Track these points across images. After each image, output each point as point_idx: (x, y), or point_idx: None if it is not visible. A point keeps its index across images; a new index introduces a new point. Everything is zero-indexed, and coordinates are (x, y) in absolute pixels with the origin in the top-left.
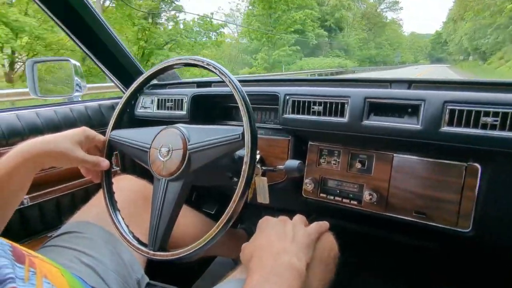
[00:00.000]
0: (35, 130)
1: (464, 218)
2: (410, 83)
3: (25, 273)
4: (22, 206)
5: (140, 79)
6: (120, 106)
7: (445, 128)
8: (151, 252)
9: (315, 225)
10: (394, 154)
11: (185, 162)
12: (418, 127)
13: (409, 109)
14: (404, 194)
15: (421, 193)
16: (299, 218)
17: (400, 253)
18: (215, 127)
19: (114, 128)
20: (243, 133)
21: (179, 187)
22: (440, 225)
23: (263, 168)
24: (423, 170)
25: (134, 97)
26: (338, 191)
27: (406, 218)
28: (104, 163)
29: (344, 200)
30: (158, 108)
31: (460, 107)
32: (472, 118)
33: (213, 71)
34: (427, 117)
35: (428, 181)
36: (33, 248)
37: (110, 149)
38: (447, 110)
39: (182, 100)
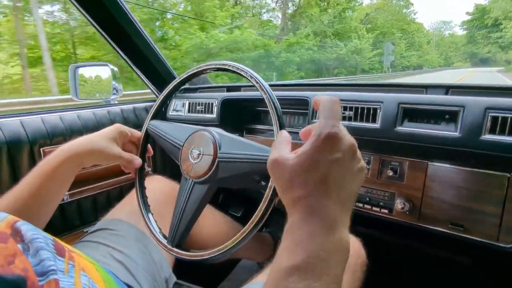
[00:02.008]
0: (76, 130)
1: (506, 233)
2: (448, 88)
3: (65, 265)
4: (62, 202)
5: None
6: (155, 107)
7: (487, 136)
8: (169, 246)
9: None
10: (429, 162)
11: (213, 169)
12: (457, 134)
13: (447, 116)
14: (439, 204)
15: (458, 204)
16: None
17: (431, 265)
18: (247, 142)
19: (152, 118)
20: None
21: (204, 190)
22: (478, 239)
23: None
24: (461, 179)
25: (167, 99)
26: (367, 199)
27: (440, 229)
28: (137, 161)
29: (374, 208)
30: (189, 111)
31: (504, 114)
32: None
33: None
34: (466, 124)
35: (466, 191)
36: (70, 242)
37: (146, 139)
38: (489, 117)
39: (212, 103)
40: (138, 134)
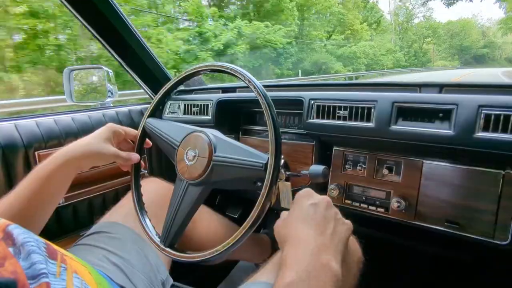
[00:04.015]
0: (71, 134)
1: (502, 230)
2: (441, 87)
3: (56, 268)
4: (58, 206)
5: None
6: (153, 104)
7: (480, 134)
8: (161, 246)
9: (350, 223)
10: (424, 161)
11: (207, 171)
12: (451, 132)
13: (441, 114)
14: (435, 203)
15: (454, 202)
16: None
17: (428, 264)
18: (242, 147)
19: (150, 116)
20: (266, 163)
21: (198, 192)
22: (474, 236)
23: (287, 173)
24: (456, 177)
25: (162, 101)
26: (364, 198)
27: (436, 227)
28: (135, 156)
29: (370, 207)
30: (184, 113)
31: (497, 112)
32: (511, 123)
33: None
34: (460, 122)
35: (461, 189)
36: (66, 246)
37: (143, 136)
38: (482, 114)
39: (207, 105)
40: (132, 131)
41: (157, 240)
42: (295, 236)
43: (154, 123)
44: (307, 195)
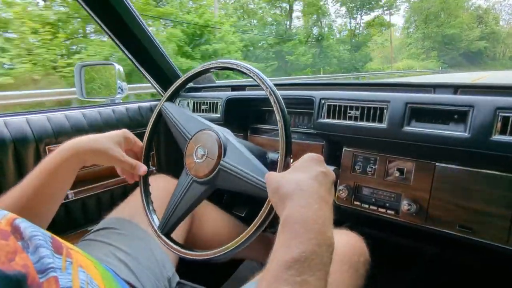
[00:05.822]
0: (81, 129)
1: None
2: (457, 88)
3: (62, 263)
4: (66, 201)
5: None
6: (169, 93)
7: (497, 137)
8: (158, 232)
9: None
10: (436, 163)
11: (213, 174)
12: (466, 135)
13: (456, 116)
14: (447, 206)
15: (467, 206)
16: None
17: (438, 268)
18: (251, 160)
19: (167, 100)
20: None
21: (201, 190)
22: (488, 242)
23: None
24: (470, 181)
25: (172, 98)
26: (373, 200)
27: (448, 231)
28: (142, 168)
29: (380, 209)
30: (193, 111)
31: None
32: None
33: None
34: (476, 124)
35: (475, 193)
36: (74, 241)
37: (158, 119)
38: (500, 117)
39: (217, 103)
40: (141, 144)
41: (155, 226)
42: (300, 194)
43: (171, 109)
44: (318, 161)
